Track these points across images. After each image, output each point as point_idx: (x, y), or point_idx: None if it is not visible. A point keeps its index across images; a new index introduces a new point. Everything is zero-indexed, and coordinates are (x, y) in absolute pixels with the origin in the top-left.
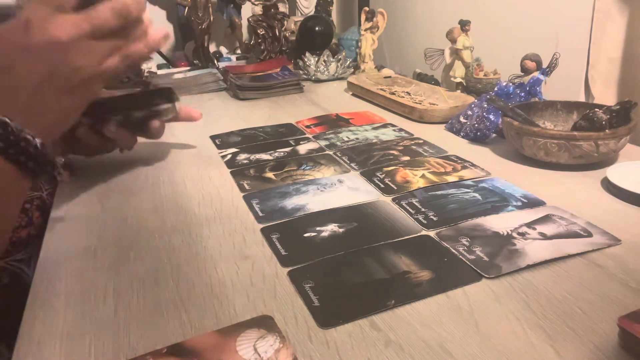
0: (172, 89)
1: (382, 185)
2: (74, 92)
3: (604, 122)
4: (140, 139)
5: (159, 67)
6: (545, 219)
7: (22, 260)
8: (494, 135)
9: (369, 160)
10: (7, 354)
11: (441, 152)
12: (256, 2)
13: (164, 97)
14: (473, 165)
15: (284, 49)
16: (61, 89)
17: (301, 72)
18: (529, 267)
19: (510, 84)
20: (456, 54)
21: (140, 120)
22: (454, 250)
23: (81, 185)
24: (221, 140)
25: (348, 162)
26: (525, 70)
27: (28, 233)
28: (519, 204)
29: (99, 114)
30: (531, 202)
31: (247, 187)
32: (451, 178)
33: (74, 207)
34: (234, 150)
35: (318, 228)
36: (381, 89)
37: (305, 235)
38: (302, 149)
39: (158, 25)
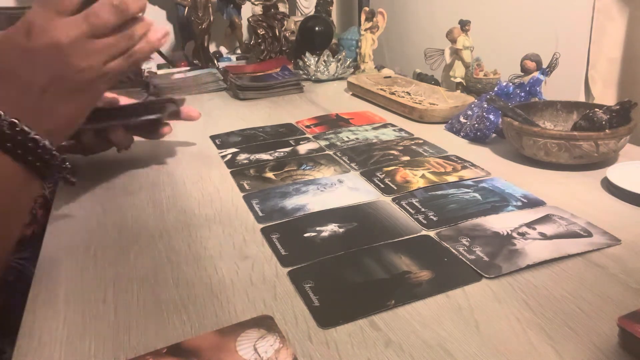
0: (172, 98)
1: (382, 185)
2: (79, 94)
3: (604, 122)
4: (139, 139)
5: (159, 67)
6: (545, 219)
7: (27, 259)
8: (494, 135)
9: (369, 160)
10: (11, 352)
11: (441, 152)
12: (256, 2)
13: (168, 103)
14: (473, 165)
15: (284, 49)
16: (66, 92)
17: (301, 72)
18: (529, 267)
19: (510, 84)
20: (456, 54)
21: (144, 124)
22: (454, 250)
23: (81, 185)
24: (221, 140)
25: (348, 162)
26: (525, 70)
27: (33, 231)
28: (519, 204)
29: (106, 121)
30: (531, 202)
31: (247, 187)
32: (451, 178)
33: (74, 207)
34: (234, 150)
35: (318, 228)
36: (381, 89)
37: (305, 235)
38: (302, 149)
39: (158, 25)
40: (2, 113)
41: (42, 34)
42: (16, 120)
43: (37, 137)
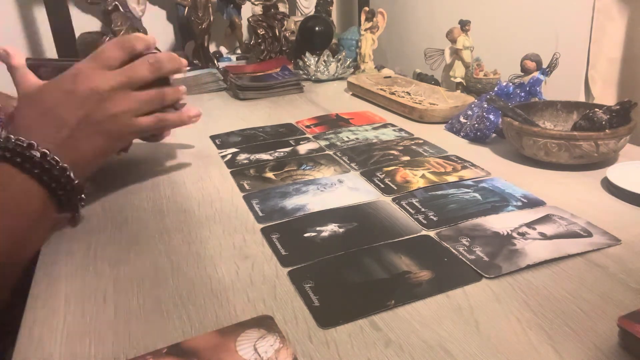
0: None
1: (382, 185)
2: (107, 137)
3: (604, 122)
4: (137, 140)
5: None
6: (545, 219)
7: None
8: (494, 135)
9: (369, 160)
10: (11, 351)
11: (441, 152)
12: (256, 2)
13: (169, 109)
14: (473, 165)
15: (284, 49)
16: (95, 132)
17: (301, 72)
18: (529, 267)
19: (510, 84)
20: (456, 54)
21: None
22: (454, 250)
23: None
24: (221, 140)
25: (348, 162)
26: (525, 70)
27: None
28: (519, 204)
29: None
30: (531, 202)
31: (247, 187)
32: (451, 178)
33: None
34: (234, 150)
35: (318, 228)
36: (381, 89)
37: (305, 235)
38: (302, 149)
39: (157, 25)
40: (36, 143)
41: (86, 80)
42: (47, 151)
43: (65, 166)
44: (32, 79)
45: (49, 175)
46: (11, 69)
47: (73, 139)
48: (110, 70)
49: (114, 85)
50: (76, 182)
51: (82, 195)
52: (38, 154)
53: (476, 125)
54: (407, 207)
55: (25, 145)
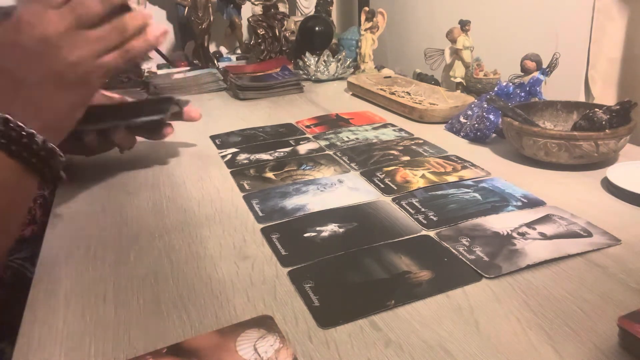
0: (175, 98)
1: (382, 185)
2: (73, 88)
3: (604, 122)
4: (139, 139)
5: (159, 67)
6: (545, 219)
7: (26, 258)
8: (494, 135)
9: (369, 160)
10: (11, 352)
11: (441, 152)
12: (256, 2)
13: (171, 103)
14: (473, 165)
15: (284, 49)
16: (59, 86)
17: (301, 72)
18: (529, 267)
19: (510, 84)
20: (456, 54)
21: (147, 124)
22: (454, 250)
23: (81, 185)
24: (221, 140)
25: (348, 162)
26: (525, 70)
27: (32, 231)
28: (519, 204)
29: (108, 121)
30: (531, 202)
31: (247, 187)
32: (451, 178)
33: (74, 207)
34: (234, 150)
35: (318, 228)
36: (381, 89)
37: (305, 235)
38: (302, 149)
39: (158, 23)
40: None
41: (31, 28)
42: (9, 116)
43: (31, 131)
44: None
45: (17, 144)
46: None
47: (36, 99)
48: (55, 10)
49: (64, 28)
50: (50, 145)
51: (62, 158)
52: (0, 121)
53: (476, 125)
54: (407, 207)
55: None
